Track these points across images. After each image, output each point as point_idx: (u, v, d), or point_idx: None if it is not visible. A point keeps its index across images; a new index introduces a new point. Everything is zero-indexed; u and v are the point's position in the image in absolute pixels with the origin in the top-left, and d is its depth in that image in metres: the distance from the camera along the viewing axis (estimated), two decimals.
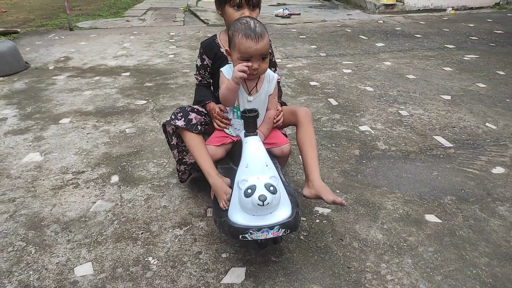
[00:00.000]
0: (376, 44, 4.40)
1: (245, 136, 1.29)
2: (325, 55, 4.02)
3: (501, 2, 6.63)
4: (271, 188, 1.17)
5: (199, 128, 1.47)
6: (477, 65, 3.57)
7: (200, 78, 1.61)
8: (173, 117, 1.46)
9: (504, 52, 3.95)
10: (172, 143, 1.58)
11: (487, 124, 2.40)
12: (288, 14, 6.12)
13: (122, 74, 3.49)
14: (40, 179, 1.85)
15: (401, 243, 1.43)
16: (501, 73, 3.34)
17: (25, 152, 2.12)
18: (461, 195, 1.72)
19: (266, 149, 1.39)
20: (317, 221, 1.56)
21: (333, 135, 2.30)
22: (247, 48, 1.27)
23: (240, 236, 1.17)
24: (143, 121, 2.50)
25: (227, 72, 1.42)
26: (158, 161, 2.01)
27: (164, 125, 1.55)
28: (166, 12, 7.00)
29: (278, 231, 1.17)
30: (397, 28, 5.17)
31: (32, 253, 1.39)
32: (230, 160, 1.51)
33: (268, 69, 1.43)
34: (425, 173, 1.89)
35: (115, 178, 1.86)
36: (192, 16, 6.48)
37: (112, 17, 6.56)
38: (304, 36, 4.82)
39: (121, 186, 1.79)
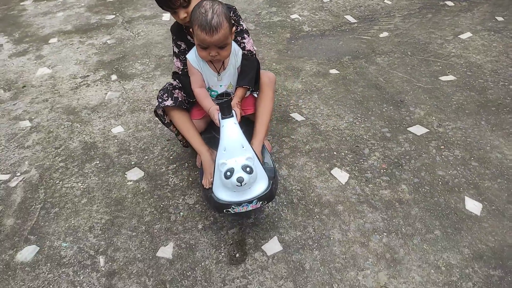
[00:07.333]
0: None
1: (222, 118, 1.31)
2: None
3: None
4: (248, 169, 1.25)
5: (186, 105, 1.53)
6: None
7: (183, 67, 1.52)
8: (160, 100, 1.48)
9: None
10: (166, 122, 1.57)
11: (385, 0, 3.16)
12: None
13: None
14: (58, 85, 2.51)
15: (312, 88, 2.28)
16: None
17: (34, 68, 2.71)
18: (355, 55, 2.55)
19: (247, 115, 1.56)
20: None
21: (271, 25, 2.99)
22: (202, 40, 1.29)
23: (224, 210, 1.32)
24: (119, 33, 3.07)
25: (193, 60, 1.43)
26: (142, 61, 2.68)
27: (155, 111, 1.53)
28: None
29: (256, 203, 1.31)
30: None
31: (79, 127, 2.14)
32: (212, 129, 1.61)
33: (233, 43, 1.42)
34: (334, 43, 2.69)
35: (114, 77, 2.54)
36: None
37: None
38: None
39: (121, 81, 2.49)
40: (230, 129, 1.29)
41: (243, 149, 1.29)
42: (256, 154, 1.34)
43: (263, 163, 1.41)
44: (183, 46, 1.53)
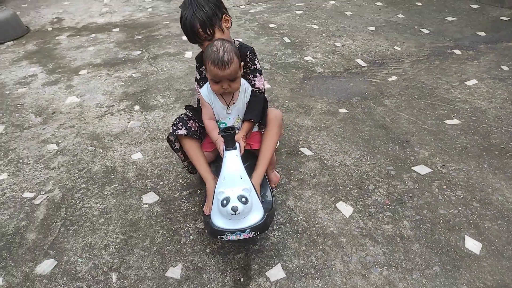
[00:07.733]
0: None
1: (226, 150, 1.41)
2: None
3: None
4: (243, 199, 1.33)
5: (198, 134, 1.64)
6: None
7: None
8: (174, 128, 1.60)
9: None
10: (175, 148, 1.69)
11: (395, 47, 3.33)
12: None
13: (113, 30, 4.16)
14: (85, 113, 2.70)
15: (322, 125, 2.40)
16: (419, 4, 4.20)
17: (64, 97, 2.92)
18: (364, 96, 2.68)
19: (253, 150, 1.62)
20: None
21: (285, 66, 3.18)
22: (215, 75, 1.43)
23: (219, 237, 1.39)
24: (144, 67, 3.30)
25: (205, 94, 1.58)
26: (163, 94, 2.87)
27: (168, 137, 1.67)
28: None
29: (249, 233, 1.36)
30: None
31: (101, 151, 2.29)
32: (220, 159, 1.61)
33: (243, 80, 1.58)
34: (345, 85, 2.84)
35: (137, 107, 2.72)
36: None
37: None
38: None
39: (143, 111, 2.67)
40: (231, 160, 1.38)
41: (241, 180, 1.36)
42: (254, 186, 1.42)
43: (261, 196, 1.48)
44: (204, 73, 1.69)
